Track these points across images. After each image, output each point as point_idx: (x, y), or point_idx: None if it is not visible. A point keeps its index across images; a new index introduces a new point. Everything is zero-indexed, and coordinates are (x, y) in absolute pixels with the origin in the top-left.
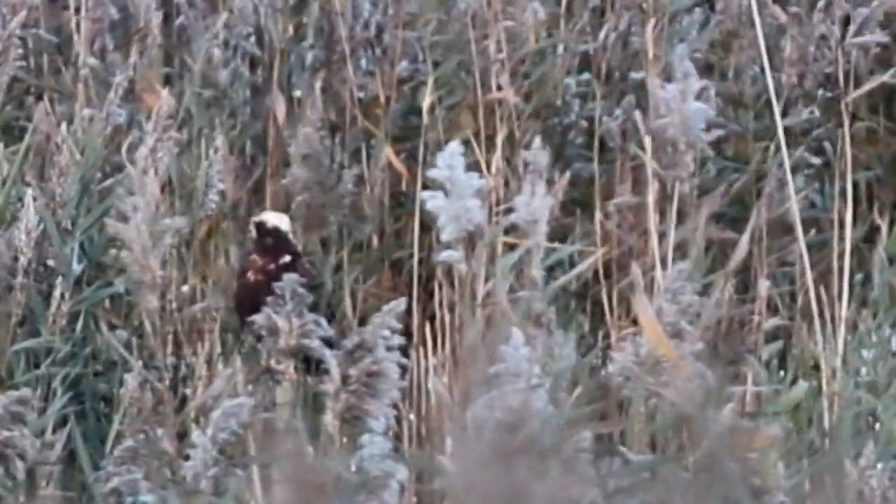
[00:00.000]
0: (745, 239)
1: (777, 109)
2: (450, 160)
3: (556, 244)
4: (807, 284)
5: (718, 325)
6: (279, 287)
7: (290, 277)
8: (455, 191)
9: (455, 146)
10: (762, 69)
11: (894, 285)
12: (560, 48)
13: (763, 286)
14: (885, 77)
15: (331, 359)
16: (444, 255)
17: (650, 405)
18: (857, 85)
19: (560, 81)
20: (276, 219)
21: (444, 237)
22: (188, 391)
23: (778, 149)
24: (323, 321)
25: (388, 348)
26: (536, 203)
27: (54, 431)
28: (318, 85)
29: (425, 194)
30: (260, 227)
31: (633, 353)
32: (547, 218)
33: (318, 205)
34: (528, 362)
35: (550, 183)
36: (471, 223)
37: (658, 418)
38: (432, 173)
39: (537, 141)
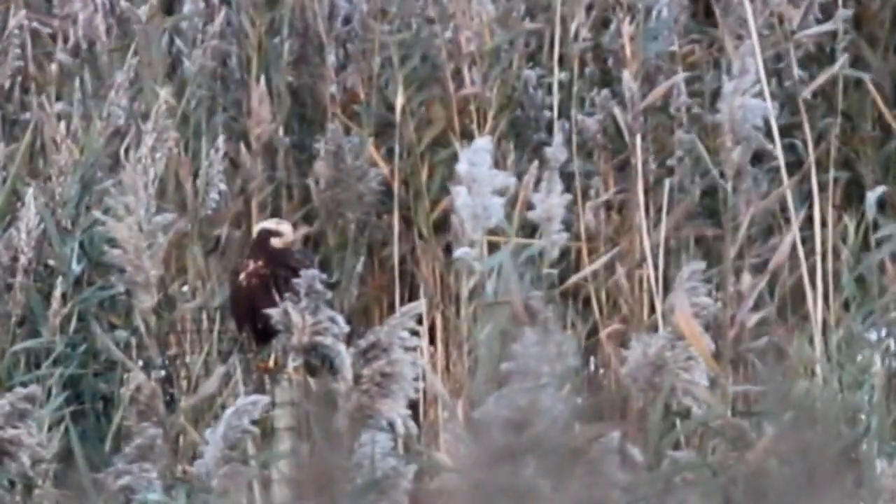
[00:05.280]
0: (787, 240)
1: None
2: (473, 156)
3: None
4: (786, 282)
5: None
6: (296, 283)
7: (307, 274)
8: (476, 188)
9: (484, 142)
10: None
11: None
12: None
13: (746, 282)
14: (836, 69)
15: (345, 357)
16: (460, 253)
17: (657, 405)
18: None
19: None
20: (278, 227)
21: (467, 234)
22: (184, 390)
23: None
24: (339, 318)
25: (405, 349)
26: (553, 200)
27: (52, 430)
28: (280, 80)
29: (454, 189)
30: (263, 235)
31: (643, 353)
32: (562, 216)
33: (339, 202)
34: (539, 361)
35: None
36: (490, 220)
37: (682, 421)
38: (458, 168)
39: (559, 138)
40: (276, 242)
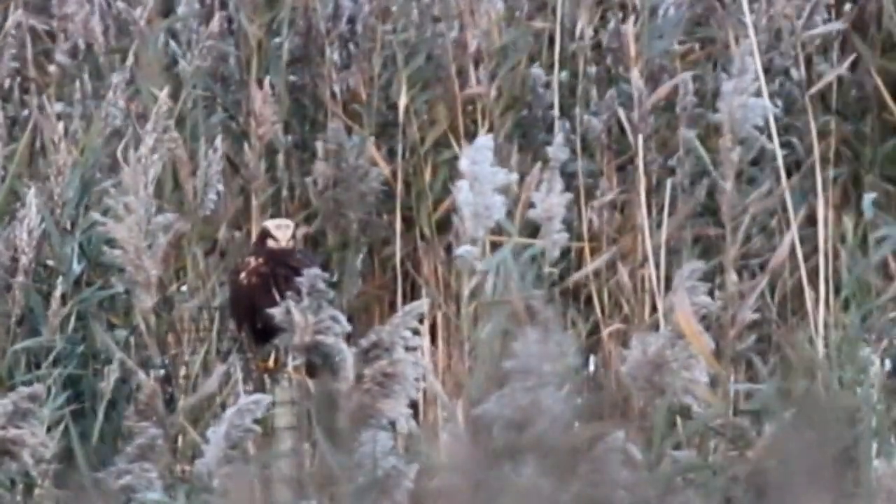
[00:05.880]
0: (787, 240)
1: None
2: (475, 154)
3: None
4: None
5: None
6: (299, 282)
7: (309, 273)
8: (478, 186)
9: (486, 140)
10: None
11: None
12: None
13: (734, 280)
14: (842, 69)
15: (347, 356)
16: (461, 251)
17: (660, 405)
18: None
19: (527, 74)
20: (277, 230)
21: (468, 233)
22: (182, 390)
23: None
24: (341, 317)
25: (407, 348)
26: (553, 199)
27: (52, 430)
28: (279, 80)
29: (455, 186)
30: (264, 234)
31: (643, 351)
32: (563, 215)
33: (340, 202)
34: (540, 361)
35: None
36: (491, 219)
37: (682, 420)
38: (460, 166)
39: (559, 137)
40: (272, 244)
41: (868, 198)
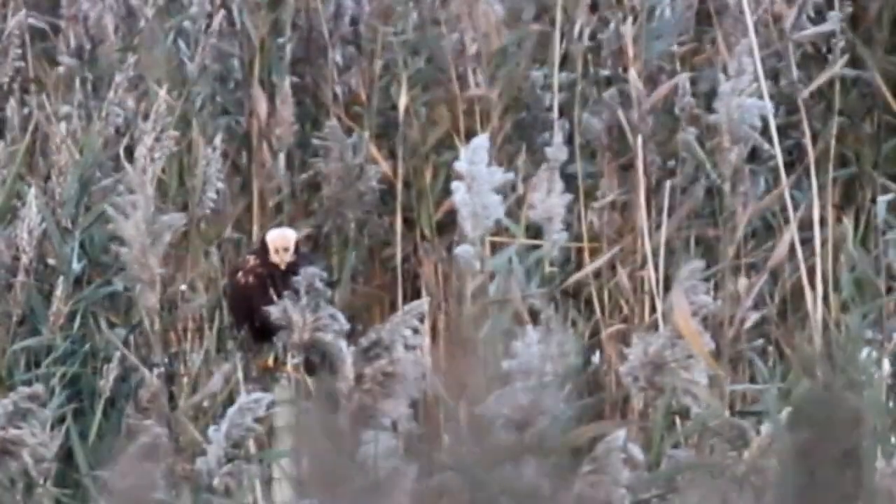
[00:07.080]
0: (785, 240)
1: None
2: (472, 155)
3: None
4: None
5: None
6: (296, 281)
7: (307, 271)
8: (476, 186)
9: (482, 140)
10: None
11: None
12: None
13: (741, 283)
14: (837, 69)
15: (346, 354)
16: (461, 251)
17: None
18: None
19: (526, 77)
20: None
21: (466, 233)
22: (184, 388)
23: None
24: (340, 316)
25: (408, 347)
26: (553, 200)
27: (53, 429)
28: (287, 81)
29: (454, 185)
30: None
31: (643, 351)
32: (563, 216)
33: (339, 201)
34: (540, 360)
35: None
36: (489, 219)
37: (681, 420)
38: (457, 166)
39: (559, 137)
40: (275, 258)
41: (882, 200)
